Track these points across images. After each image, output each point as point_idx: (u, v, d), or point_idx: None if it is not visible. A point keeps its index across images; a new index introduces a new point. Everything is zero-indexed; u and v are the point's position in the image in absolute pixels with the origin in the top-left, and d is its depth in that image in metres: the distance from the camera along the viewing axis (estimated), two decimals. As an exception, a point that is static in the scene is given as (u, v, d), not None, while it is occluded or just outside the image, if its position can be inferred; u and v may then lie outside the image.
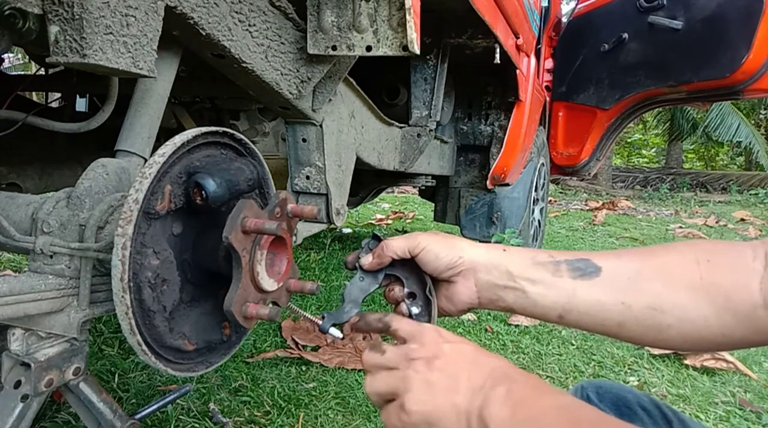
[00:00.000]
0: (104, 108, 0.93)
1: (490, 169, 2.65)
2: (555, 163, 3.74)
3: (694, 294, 0.58)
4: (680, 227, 6.08)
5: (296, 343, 1.94)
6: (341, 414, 1.54)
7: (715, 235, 5.68)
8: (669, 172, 13.84)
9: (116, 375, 1.60)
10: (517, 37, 2.11)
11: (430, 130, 1.91)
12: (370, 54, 0.96)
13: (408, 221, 5.57)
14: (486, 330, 2.31)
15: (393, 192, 8.43)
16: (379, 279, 0.72)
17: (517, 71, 2.36)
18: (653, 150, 21.89)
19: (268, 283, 0.67)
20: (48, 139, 1.58)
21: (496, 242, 2.77)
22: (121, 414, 0.76)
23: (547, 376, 1.92)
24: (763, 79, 2.89)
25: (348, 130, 1.35)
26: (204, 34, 0.80)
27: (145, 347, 0.62)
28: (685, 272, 0.60)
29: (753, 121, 15.02)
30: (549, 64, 3.65)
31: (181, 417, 1.43)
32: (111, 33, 0.64)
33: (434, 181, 2.76)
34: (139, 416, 0.80)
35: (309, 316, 0.73)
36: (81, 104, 1.98)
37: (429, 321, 0.70)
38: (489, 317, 2.47)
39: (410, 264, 0.71)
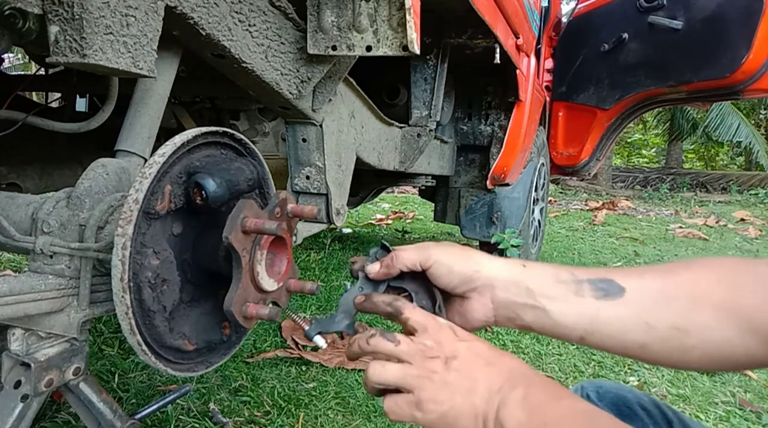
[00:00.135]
0: (104, 108, 0.93)
1: (490, 169, 2.64)
2: (555, 163, 3.74)
3: (717, 315, 0.57)
4: (680, 227, 6.08)
5: (296, 343, 1.94)
6: (341, 414, 1.54)
7: (715, 235, 5.68)
8: (669, 172, 13.85)
9: (116, 375, 1.60)
10: (517, 37, 2.11)
11: (430, 130, 1.91)
12: (370, 54, 0.96)
13: (408, 221, 5.57)
14: (486, 329, 2.31)
15: (393, 192, 8.43)
16: (379, 291, 0.67)
17: (517, 71, 2.36)
18: (653, 150, 21.89)
19: (268, 283, 0.67)
20: (48, 139, 1.58)
21: (496, 242, 2.77)
22: (121, 414, 0.76)
23: (547, 376, 1.92)
24: (763, 79, 2.89)
25: (348, 130, 1.35)
26: (204, 34, 0.80)
27: (145, 347, 0.62)
28: (708, 292, 0.59)
29: (753, 121, 15.03)
30: (549, 64, 3.65)
31: (181, 417, 1.43)
32: (111, 33, 0.64)
33: (434, 181, 2.76)
34: (139, 416, 0.80)
35: (298, 320, 0.72)
36: (81, 104, 1.98)
37: None
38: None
39: (420, 277, 0.67)
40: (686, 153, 19.07)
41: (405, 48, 0.93)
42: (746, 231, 5.93)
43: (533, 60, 2.61)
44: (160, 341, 0.65)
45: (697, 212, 8.01)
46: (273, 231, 0.62)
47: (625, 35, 3.19)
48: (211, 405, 1.48)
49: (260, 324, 2.09)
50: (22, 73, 4.45)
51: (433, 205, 3.16)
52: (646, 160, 21.77)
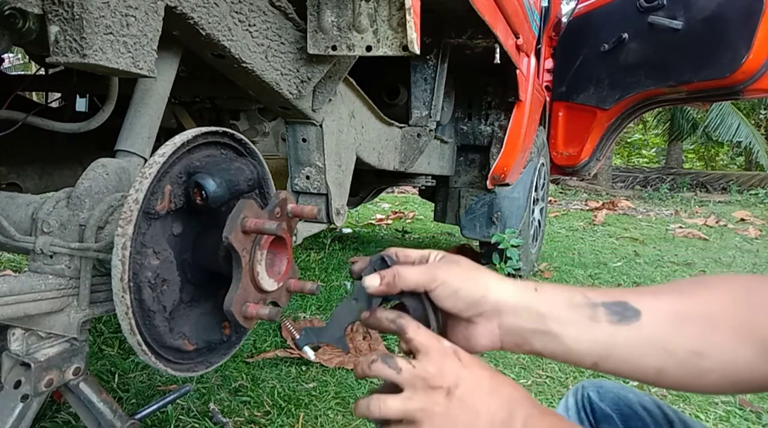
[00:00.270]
0: (104, 108, 0.93)
1: (490, 169, 2.65)
2: (555, 163, 3.74)
3: (735, 336, 0.57)
4: (680, 227, 6.08)
5: (296, 343, 1.94)
6: (341, 414, 1.54)
7: (715, 235, 5.68)
8: (669, 172, 13.85)
9: (116, 375, 1.60)
10: (517, 37, 2.12)
11: (430, 130, 1.91)
12: (370, 54, 0.96)
13: (408, 221, 5.57)
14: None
15: (393, 192, 8.43)
16: (374, 305, 0.64)
17: (517, 71, 2.36)
18: (653, 150, 21.90)
19: (268, 283, 0.67)
20: (48, 139, 1.58)
21: (496, 242, 2.77)
22: (121, 414, 0.76)
23: (547, 376, 1.92)
24: (763, 79, 2.89)
25: (348, 130, 1.35)
26: (204, 34, 0.80)
27: (145, 347, 0.62)
28: (725, 313, 0.58)
29: (753, 121, 15.03)
30: (549, 64, 3.65)
31: (181, 417, 1.43)
32: (111, 33, 0.64)
33: (434, 180, 2.76)
34: (139, 416, 0.80)
35: (291, 329, 0.72)
36: (81, 104, 1.98)
37: None
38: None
39: (422, 293, 0.63)
40: (686, 153, 19.07)
41: (405, 48, 0.93)
42: (746, 231, 5.93)
43: (533, 60, 2.61)
44: (160, 341, 0.65)
45: (697, 212, 8.01)
46: (273, 231, 0.62)
47: (625, 35, 3.20)
48: (211, 405, 1.48)
49: (260, 324, 2.08)
50: (22, 73, 4.45)
51: (433, 205, 3.17)
52: (646, 160, 21.78)
